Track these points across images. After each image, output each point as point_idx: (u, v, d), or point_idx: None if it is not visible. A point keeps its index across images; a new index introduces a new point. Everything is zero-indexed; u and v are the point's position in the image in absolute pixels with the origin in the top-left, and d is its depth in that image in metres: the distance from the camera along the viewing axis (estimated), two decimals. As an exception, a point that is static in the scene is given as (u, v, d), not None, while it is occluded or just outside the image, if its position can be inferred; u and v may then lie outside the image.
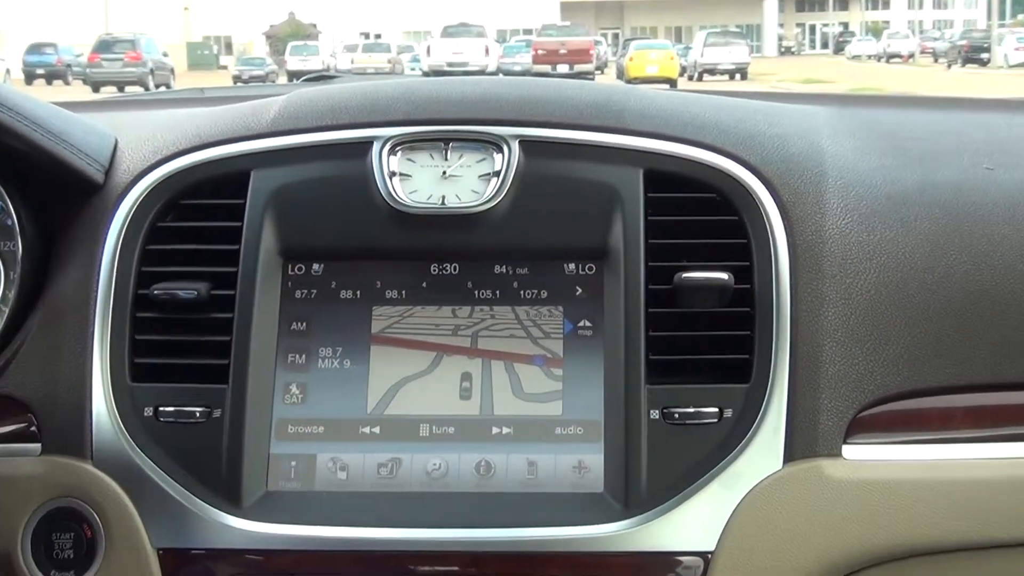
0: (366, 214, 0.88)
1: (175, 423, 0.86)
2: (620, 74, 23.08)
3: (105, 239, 0.90)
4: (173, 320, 0.89)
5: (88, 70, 22.44)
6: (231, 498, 0.85)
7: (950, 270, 0.88)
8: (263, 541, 0.82)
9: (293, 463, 0.86)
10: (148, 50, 23.05)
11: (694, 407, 0.85)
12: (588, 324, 0.87)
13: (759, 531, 0.84)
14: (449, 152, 0.90)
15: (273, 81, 20.55)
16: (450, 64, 23.11)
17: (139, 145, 0.95)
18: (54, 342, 0.88)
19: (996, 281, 0.89)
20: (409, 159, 0.90)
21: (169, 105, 1.25)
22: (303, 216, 0.89)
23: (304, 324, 0.88)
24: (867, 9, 53.32)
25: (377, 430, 0.86)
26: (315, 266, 0.89)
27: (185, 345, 0.88)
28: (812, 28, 55.86)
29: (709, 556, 0.82)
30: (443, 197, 0.88)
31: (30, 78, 23.72)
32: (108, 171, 0.92)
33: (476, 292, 0.88)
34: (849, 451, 0.86)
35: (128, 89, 18.86)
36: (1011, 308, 0.88)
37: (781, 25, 52.73)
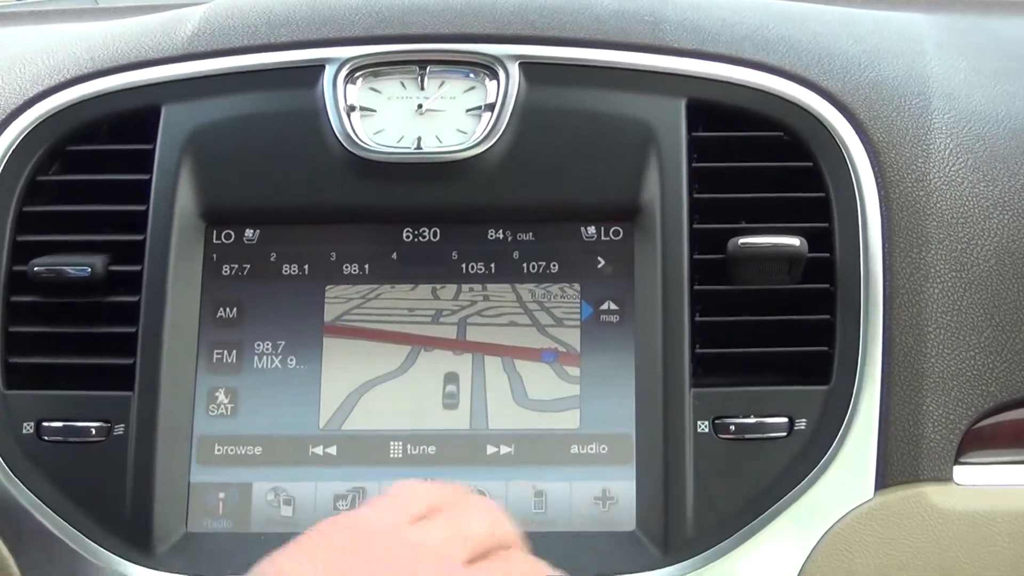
0: (316, 162, 0.81)
1: (63, 443, 0.79)
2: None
3: None
4: (59, 306, 0.81)
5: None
6: (138, 542, 0.77)
7: None
8: None
9: (221, 495, 0.79)
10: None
11: (755, 417, 0.78)
12: (614, 307, 0.80)
13: (844, 573, 0.76)
14: (426, 79, 0.83)
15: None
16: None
17: (11, 73, 0.88)
18: None
19: None
20: (373, 88, 0.83)
21: (52, 19, 1.19)
22: (232, 166, 0.82)
23: (234, 310, 0.81)
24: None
25: (333, 451, 0.78)
26: (248, 232, 0.82)
27: (75, 340, 0.81)
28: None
29: None
30: (419, 139, 0.81)
31: None
32: None
33: (464, 265, 0.81)
34: (962, 474, 0.79)
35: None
36: None
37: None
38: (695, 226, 0.81)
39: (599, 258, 0.81)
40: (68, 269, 0.81)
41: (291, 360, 0.80)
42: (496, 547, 0.57)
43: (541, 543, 0.71)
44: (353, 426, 0.79)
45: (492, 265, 0.81)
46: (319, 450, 0.79)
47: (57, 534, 0.78)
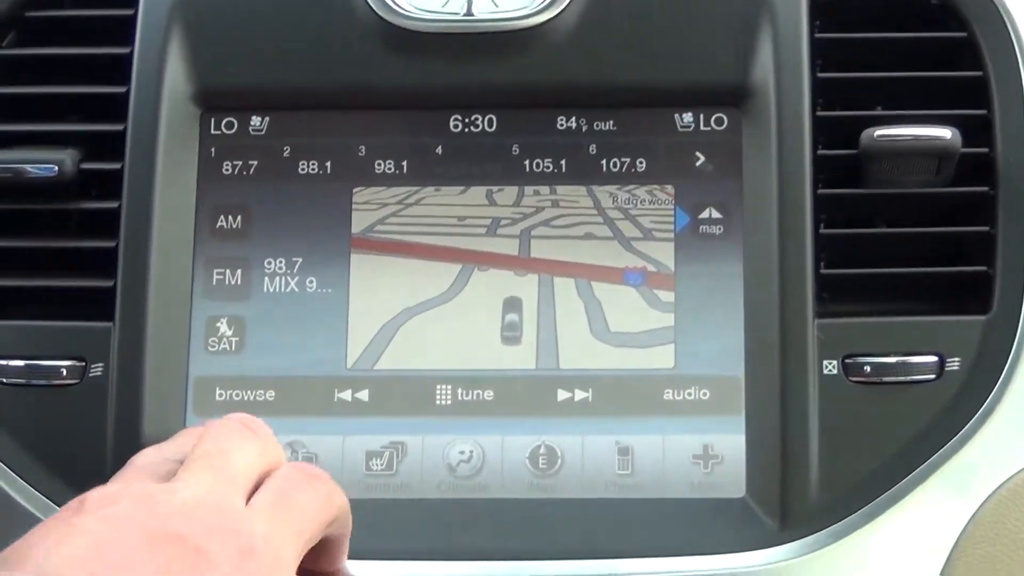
0: (340, 31, 0.77)
1: (26, 387, 0.75)
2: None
3: None
4: (18, 214, 0.77)
5: None
6: None
7: None
8: None
9: None
10: None
11: (896, 355, 0.72)
12: (716, 215, 0.75)
13: (1010, 562, 0.72)
14: None
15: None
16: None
17: None
18: None
19: None
20: None
21: None
22: (233, 35, 0.78)
23: (238, 219, 0.76)
24: None
25: (364, 396, 0.74)
26: (254, 120, 0.77)
27: (40, 256, 0.77)
28: None
29: None
30: (469, 1, 0.76)
31: None
32: None
33: (527, 162, 0.76)
34: None
35: None
36: None
37: None
38: (819, 113, 0.75)
39: (698, 153, 0.76)
40: (29, 168, 0.77)
41: (310, 282, 0.76)
42: (267, 471, 0.55)
43: (626, 512, 0.72)
44: (389, 365, 0.75)
45: (563, 162, 0.77)
46: (347, 395, 0.75)
47: (19, 500, 0.75)
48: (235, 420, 0.56)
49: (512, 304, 0.75)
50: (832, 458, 0.71)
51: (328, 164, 0.77)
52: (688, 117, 0.76)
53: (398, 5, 0.75)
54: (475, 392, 0.74)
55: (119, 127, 0.76)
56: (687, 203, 0.75)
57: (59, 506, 0.70)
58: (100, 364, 0.74)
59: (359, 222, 0.75)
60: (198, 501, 0.50)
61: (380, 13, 0.75)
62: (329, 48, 0.76)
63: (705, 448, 0.72)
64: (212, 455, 0.53)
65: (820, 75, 0.75)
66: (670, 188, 0.75)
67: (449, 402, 0.74)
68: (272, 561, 0.49)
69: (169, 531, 0.48)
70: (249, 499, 0.52)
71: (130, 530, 0.47)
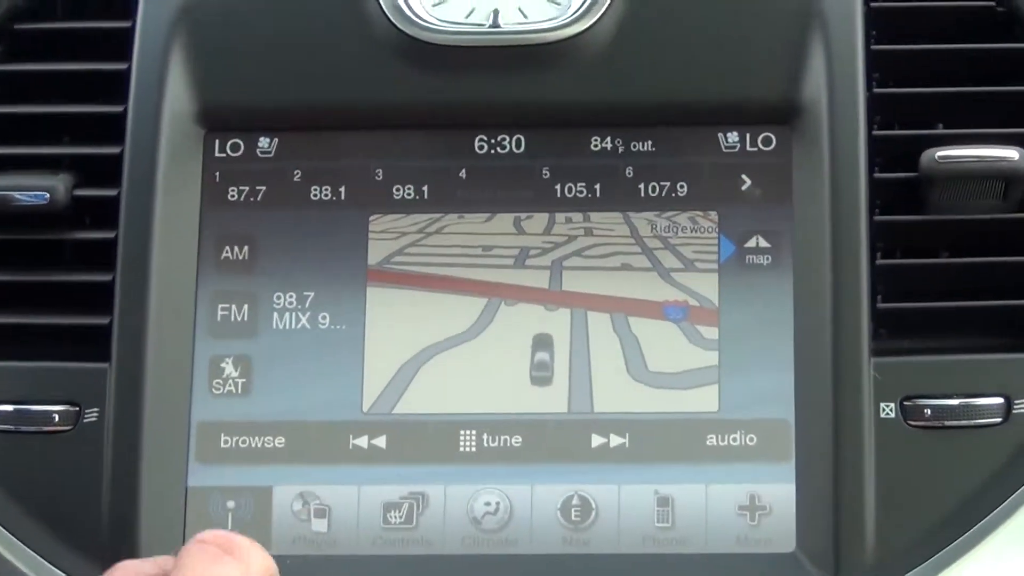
0: (355, 44, 0.75)
1: (15, 434, 0.73)
2: None
3: None
4: (9, 245, 0.76)
5: None
6: None
7: None
8: None
9: (231, 504, 0.73)
10: None
11: (960, 396, 0.70)
12: (764, 244, 0.72)
13: None
14: None
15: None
16: None
17: None
18: None
19: None
20: None
21: None
22: (239, 50, 0.76)
23: (245, 250, 0.74)
24: None
25: (381, 443, 0.72)
26: (262, 141, 0.75)
27: (31, 292, 0.76)
28: None
29: None
30: (495, 11, 0.74)
31: None
32: None
33: (558, 187, 0.74)
34: None
35: None
36: None
37: None
38: (875, 132, 0.73)
39: (744, 176, 0.74)
40: (18, 195, 0.75)
41: (323, 318, 0.74)
42: None
43: (666, 569, 0.70)
44: (409, 409, 0.73)
45: (597, 186, 0.74)
46: (363, 442, 0.73)
47: (9, 558, 0.73)
48: (211, 542, 0.54)
49: (542, 341, 0.72)
50: (890, 509, 0.69)
51: (342, 189, 0.75)
52: (733, 137, 0.74)
53: (418, 16, 0.74)
54: (502, 438, 0.72)
55: (116, 149, 0.74)
56: (732, 231, 0.73)
57: (50, 564, 0.71)
58: (95, 409, 0.72)
59: (376, 252, 0.73)
60: None
61: (399, 25, 0.73)
62: (343, 63, 0.74)
63: (752, 498, 0.70)
64: None
65: (876, 90, 0.73)
66: (714, 215, 0.73)
67: (474, 449, 0.71)
68: None
69: None
70: None
71: None
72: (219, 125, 0.75)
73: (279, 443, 0.72)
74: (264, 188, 0.75)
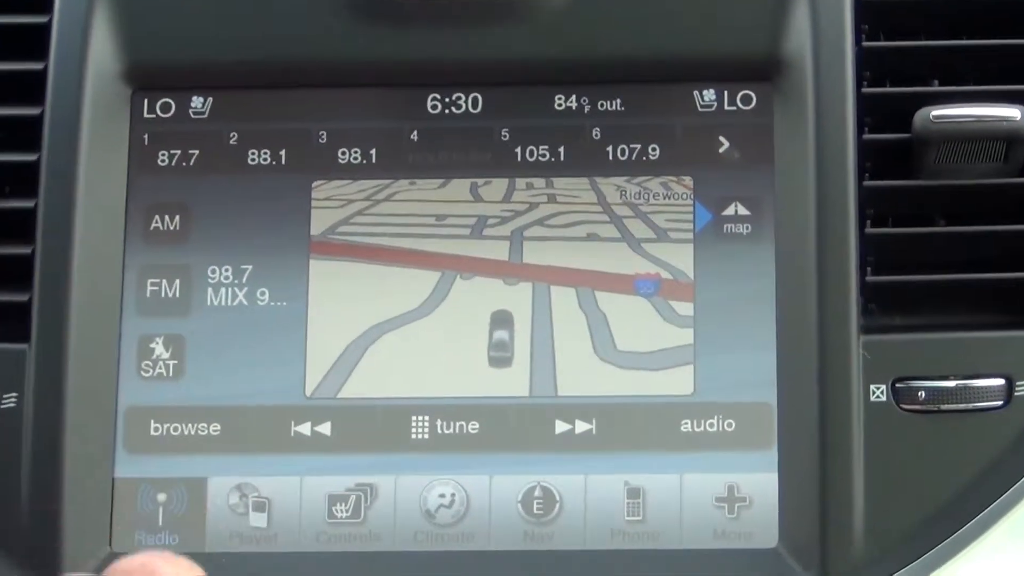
0: None
1: None
2: None
3: None
4: None
5: None
6: (40, 567, 0.71)
7: None
8: None
9: (162, 497, 0.71)
10: None
11: (956, 378, 0.68)
12: (743, 212, 0.71)
13: None
14: None
15: None
16: None
17: None
18: None
19: None
20: None
21: None
22: (170, 1, 0.74)
23: (176, 220, 0.72)
24: None
25: (326, 430, 0.70)
26: (196, 100, 0.73)
27: None
28: None
29: None
30: None
31: None
32: None
33: (519, 150, 0.72)
34: None
35: None
36: None
37: None
38: (864, 90, 0.71)
39: (721, 138, 0.72)
40: None
41: (262, 294, 0.72)
42: None
43: (637, 566, 0.69)
44: (356, 393, 0.71)
45: (560, 149, 0.72)
46: (305, 429, 0.71)
47: None
48: (136, 564, 0.52)
49: (501, 319, 0.70)
50: (880, 501, 0.67)
51: (282, 153, 0.72)
52: (710, 94, 0.72)
53: None
54: (457, 424, 0.70)
55: (35, 111, 0.72)
56: (709, 198, 0.71)
57: None
58: (13, 394, 0.70)
59: (320, 222, 0.71)
60: None
61: None
62: (284, 14, 0.72)
63: (730, 489, 0.68)
64: None
65: (866, 44, 0.71)
66: (688, 180, 0.71)
67: (427, 436, 0.69)
68: None
69: None
70: None
71: None
72: (148, 83, 0.73)
73: (214, 430, 0.70)
74: (197, 152, 0.73)
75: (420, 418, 0.69)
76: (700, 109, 0.72)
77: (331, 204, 0.72)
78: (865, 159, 0.70)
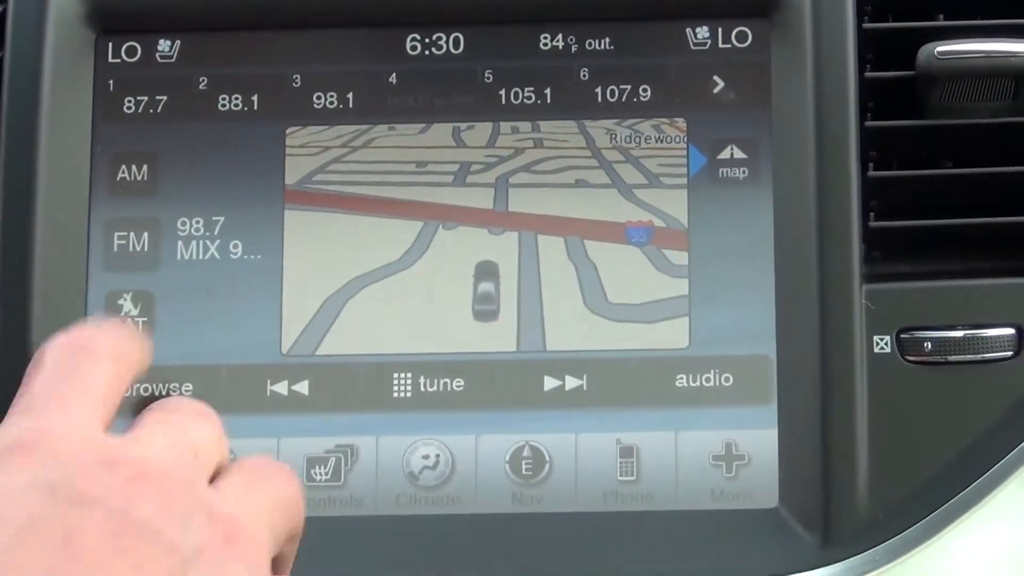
0: None
1: None
2: None
3: None
4: None
5: None
6: None
7: None
8: None
9: None
10: None
11: (963, 327, 0.67)
12: (739, 155, 0.69)
13: None
14: None
15: None
16: None
17: None
18: None
19: None
20: None
21: None
22: None
23: (144, 170, 0.70)
24: None
25: (303, 388, 0.69)
26: (163, 43, 0.71)
27: None
28: None
29: None
30: None
31: None
32: None
33: (503, 92, 0.71)
34: None
35: None
36: None
37: None
38: (865, 25, 0.69)
39: (716, 77, 0.70)
40: None
41: (235, 247, 0.70)
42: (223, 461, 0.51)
43: (631, 528, 0.68)
44: (334, 350, 0.69)
45: (547, 91, 0.71)
46: (282, 388, 0.69)
47: None
48: (184, 400, 0.52)
49: (486, 270, 0.69)
50: (885, 457, 0.66)
51: (255, 98, 0.70)
52: (703, 32, 0.70)
53: None
54: (441, 381, 0.68)
55: None
56: (703, 141, 0.69)
57: None
58: None
59: (294, 170, 0.69)
60: (165, 469, 0.44)
61: None
62: None
63: (728, 447, 0.67)
64: (167, 423, 0.48)
65: None
66: (682, 122, 0.69)
67: (409, 394, 0.68)
68: (256, 557, 0.45)
69: (134, 518, 0.41)
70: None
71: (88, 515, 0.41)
72: (112, 26, 0.70)
73: (186, 390, 0.68)
74: (165, 98, 0.70)
75: (402, 375, 0.68)
76: (693, 47, 0.70)
77: (306, 151, 0.70)
78: (867, 98, 0.68)
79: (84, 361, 0.48)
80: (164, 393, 0.68)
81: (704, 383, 0.67)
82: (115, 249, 0.69)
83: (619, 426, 0.67)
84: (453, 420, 0.68)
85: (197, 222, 0.70)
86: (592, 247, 0.68)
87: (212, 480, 0.48)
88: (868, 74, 0.68)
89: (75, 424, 0.45)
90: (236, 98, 0.70)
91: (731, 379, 0.67)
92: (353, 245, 0.69)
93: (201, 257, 0.69)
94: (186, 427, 0.49)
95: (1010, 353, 0.66)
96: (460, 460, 0.67)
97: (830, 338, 0.66)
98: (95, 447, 0.43)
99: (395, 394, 0.68)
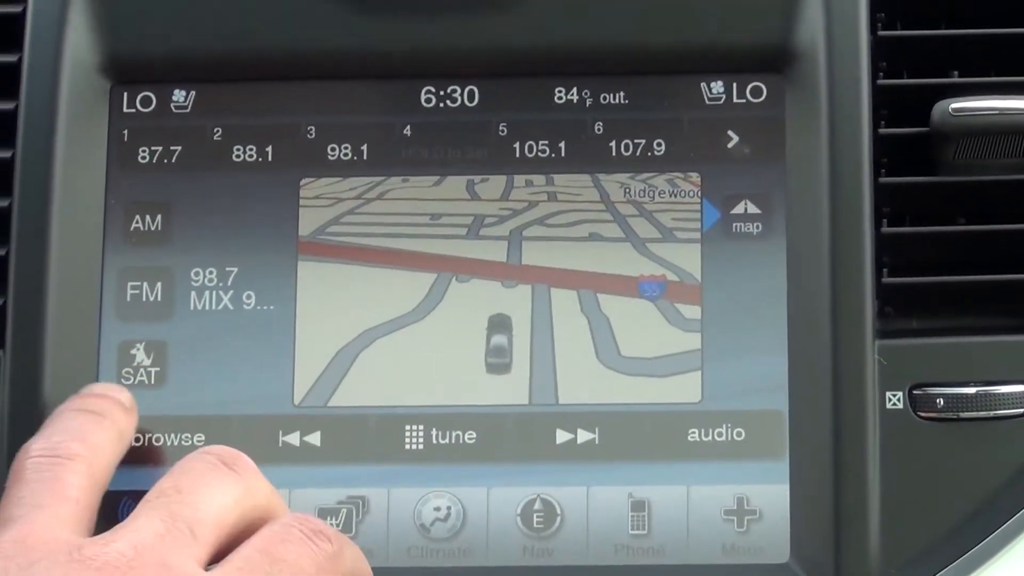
0: None
1: None
2: None
3: None
4: None
5: None
6: None
7: None
8: None
9: None
10: None
11: (976, 384, 0.67)
12: (753, 210, 0.69)
13: None
14: None
15: None
16: None
17: None
18: None
19: None
20: None
21: None
22: None
23: (158, 220, 0.70)
24: None
25: (315, 440, 0.68)
26: (178, 94, 0.71)
27: None
28: None
29: None
30: None
31: None
32: None
33: (517, 145, 0.70)
34: None
35: None
36: None
37: None
38: (880, 81, 0.69)
39: (730, 132, 0.70)
40: None
41: (248, 298, 0.69)
42: (252, 522, 0.51)
43: None
44: (346, 401, 0.69)
45: (561, 145, 0.70)
46: (294, 439, 0.68)
47: None
48: (212, 454, 0.52)
49: (499, 323, 0.68)
50: (897, 514, 0.65)
51: (269, 149, 0.70)
52: (718, 86, 0.69)
53: None
54: (454, 433, 0.67)
55: (10, 105, 0.69)
56: (717, 195, 0.68)
57: None
58: None
59: (308, 222, 0.69)
60: (138, 554, 0.46)
61: None
62: (270, 3, 0.70)
63: (740, 501, 0.66)
64: (170, 495, 0.49)
65: (881, 33, 0.68)
66: (696, 176, 0.68)
67: (421, 446, 0.67)
68: None
69: None
70: (218, 559, 0.48)
71: None
72: (128, 76, 0.70)
73: (198, 440, 0.67)
74: (180, 148, 0.70)
75: (414, 427, 0.67)
76: (708, 102, 0.69)
77: (320, 203, 0.69)
78: (881, 154, 0.68)
79: (57, 469, 0.50)
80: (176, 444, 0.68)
81: (716, 437, 0.67)
82: (128, 299, 0.69)
83: (631, 480, 0.67)
84: (465, 472, 0.67)
85: (210, 272, 0.69)
86: (605, 300, 0.68)
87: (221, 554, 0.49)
88: (882, 130, 0.68)
89: (53, 530, 0.48)
90: (251, 149, 0.70)
91: (743, 434, 0.67)
92: (366, 297, 0.69)
93: (214, 307, 0.69)
94: (195, 501, 0.48)
95: (1022, 410, 0.66)
96: (471, 512, 0.67)
97: (842, 394, 0.66)
98: (66, 546, 0.45)
99: (407, 446, 0.67)
